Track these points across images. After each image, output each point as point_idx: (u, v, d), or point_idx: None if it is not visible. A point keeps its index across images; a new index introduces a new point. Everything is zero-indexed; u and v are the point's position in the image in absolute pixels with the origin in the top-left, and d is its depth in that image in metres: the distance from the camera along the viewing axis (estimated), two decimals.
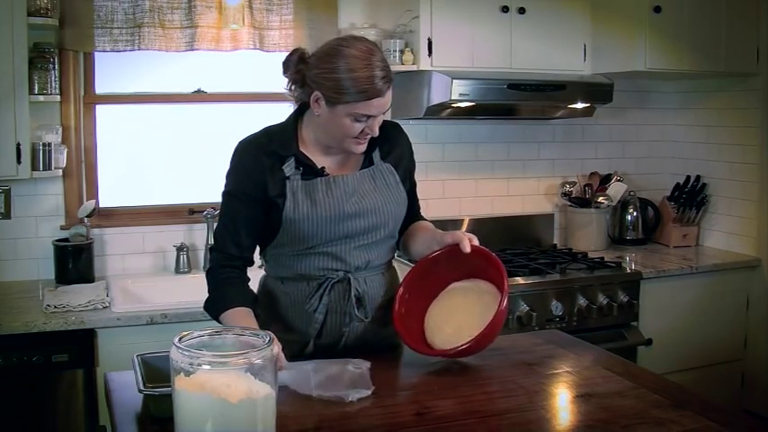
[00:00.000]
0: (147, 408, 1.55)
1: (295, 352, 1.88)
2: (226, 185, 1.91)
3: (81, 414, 2.60)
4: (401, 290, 1.93)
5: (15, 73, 2.70)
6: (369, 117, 1.80)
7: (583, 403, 1.63)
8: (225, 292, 1.86)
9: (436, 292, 1.95)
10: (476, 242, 1.88)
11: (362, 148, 1.88)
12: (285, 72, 1.89)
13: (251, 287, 1.93)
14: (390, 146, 2.00)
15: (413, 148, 2.09)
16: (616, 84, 3.43)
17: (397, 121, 2.10)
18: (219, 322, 1.82)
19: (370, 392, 1.64)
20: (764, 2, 3.51)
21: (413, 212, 2.08)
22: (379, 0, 3.41)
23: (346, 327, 1.93)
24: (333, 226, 1.87)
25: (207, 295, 1.89)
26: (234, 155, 1.92)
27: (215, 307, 1.85)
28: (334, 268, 1.92)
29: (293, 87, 1.89)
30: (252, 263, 1.94)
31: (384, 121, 1.93)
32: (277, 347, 1.37)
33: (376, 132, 1.84)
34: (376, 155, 1.97)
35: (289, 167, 1.87)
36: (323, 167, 1.90)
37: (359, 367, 1.72)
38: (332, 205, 1.87)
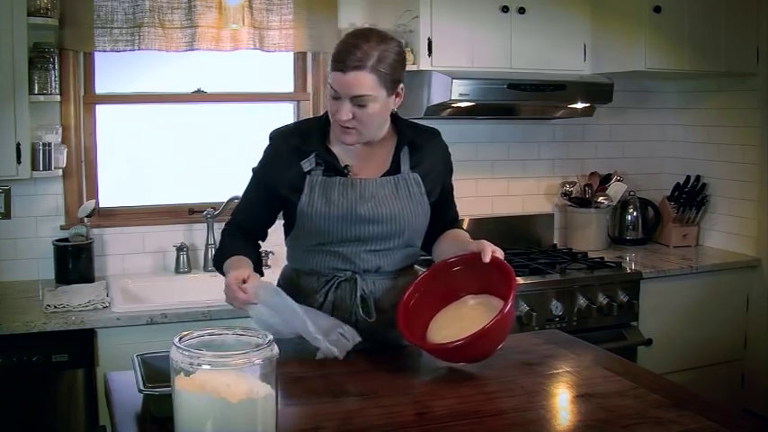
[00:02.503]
0: (147, 408, 1.55)
1: (300, 344, 1.88)
2: (255, 168, 2.03)
3: (81, 414, 2.60)
4: (413, 285, 1.91)
5: (15, 73, 2.70)
6: (338, 95, 1.81)
7: (583, 403, 1.63)
8: (228, 243, 1.99)
9: (447, 297, 1.92)
10: (499, 254, 1.84)
11: (346, 138, 1.87)
12: None
13: (261, 258, 2.05)
14: (422, 155, 1.99)
15: (450, 155, 2.09)
16: (616, 84, 3.43)
17: (436, 129, 2.09)
18: (223, 274, 1.88)
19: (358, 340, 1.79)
20: (764, 2, 3.51)
21: (448, 219, 2.08)
22: (379, 0, 3.41)
23: (351, 326, 1.92)
24: (345, 227, 1.89)
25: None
26: (269, 143, 2.01)
27: (217, 258, 1.97)
28: (343, 268, 1.94)
29: None
30: (261, 239, 2.06)
31: (422, 127, 2.00)
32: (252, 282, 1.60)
33: (342, 116, 1.81)
34: (405, 162, 1.96)
35: (308, 163, 1.91)
36: (346, 165, 1.92)
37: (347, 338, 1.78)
38: (345, 206, 1.89)
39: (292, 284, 2.02)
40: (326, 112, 1.94)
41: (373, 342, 1.94)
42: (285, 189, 1.92)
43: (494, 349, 1.81)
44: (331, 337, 1.77)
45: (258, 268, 1.92)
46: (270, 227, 2.06)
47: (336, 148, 1.94)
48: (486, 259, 1.81)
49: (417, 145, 1.98)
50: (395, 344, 1.99)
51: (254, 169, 2.02)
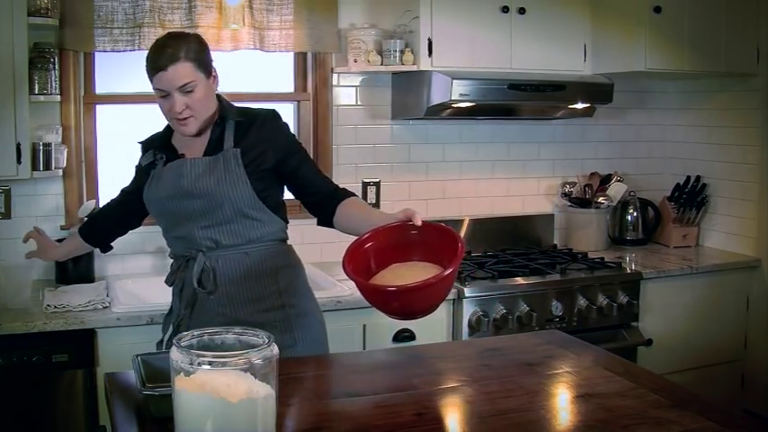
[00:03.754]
0: (147, 408, 1.55)
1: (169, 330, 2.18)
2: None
3: (81, 414, 2.59)
4: (371, 232, 1.93)
5: (15, 73, 2.70)
6: (166, 93, 2.00)
7: (583, 403, 1.63)
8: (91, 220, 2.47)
9: (397, 256, 1.94)
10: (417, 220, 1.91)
11: (187, 129, 2.07)
12: None
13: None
14: (248, 132, 2.13)
15: (288, 132, 2.21)
16: (616, 84, 3.43)
17: (273, 109, 2.21)
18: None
19: None
20: (764, 2, 3.51)
21: (321, 190, 2.18)
22: (379, 0, 3.41)
23: (197, 302, 2.11)
24: (171, 204, 2.09)
25: None
26: None
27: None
28: (188, 248, 2.12)
29: None
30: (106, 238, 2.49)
31: (257, 109, 2.18)
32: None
33: (177, 109, 2.01)
34: (228, 141, 2.10)
35: (145, 158, 2.20)
36: (182, 154, 2.14)
37: None
38: (171, 184, 2.09)
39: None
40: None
41: (226, 317, 2.05)
42: (136, 184, 2.26)
43: (428, 306, 1.84)
44: None
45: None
46: (126, 218, 2.43)
47: (176, 141, 2.18)
48: (418, 223, 1.89)
49: (244, 123, 2.13)
50: (248, 321, 2.02)
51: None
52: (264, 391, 1.28)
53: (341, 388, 1.70)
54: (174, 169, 2.11)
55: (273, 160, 2.13)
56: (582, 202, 3.81)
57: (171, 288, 2.22)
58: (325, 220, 2.19)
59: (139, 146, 2.29)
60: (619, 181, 3.86)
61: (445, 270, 1.78)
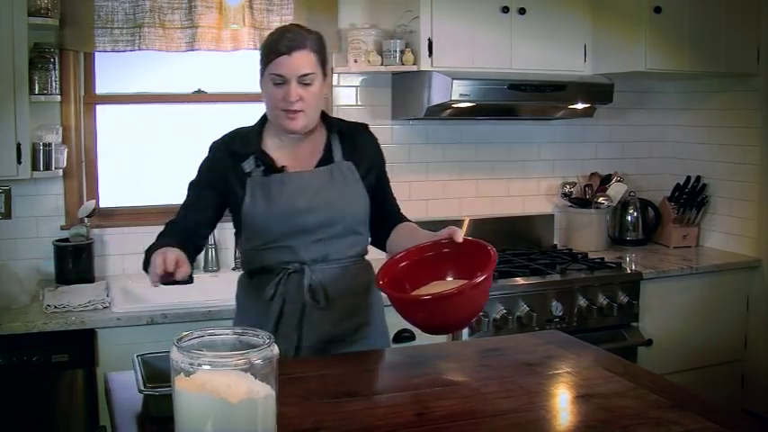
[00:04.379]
0: (147, 408, 1.55)
1: None
2: (196, 176, 2.08)
3: (81, 414, 2.60)
4: (405, 251, 1.93)
5: (16, 73, 2.70)
6: (283, 78, 1.91)
7: (583, 404, 1.63)
8: (161, 239, 1.94)
9: (432, 275, 1.93)
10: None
11: (295, 124, 1.95)
12: None
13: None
14: (353, 145, 2.07)
15: (381, 147, 2.16)
16: (616, 84, 3.43)
17: (366, 123, 2.16)
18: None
19: None
20: (764, 2, 3.51)
21: (390, 211, 2.15)
22: (379, 0, 3.41)
23: (305, 316, 1.99)
24: (286, 221, 1.96)
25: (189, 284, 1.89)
26: (208, 152, 2.09)
27: (149, 251, 1.86)
28: (291, 261, 1.99)
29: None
30: (200, 242, 2.06)
31: (352, 122, 2.09)
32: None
33: (292, 97, 1.91)
34: (337, 153, 2.04)
35: (248, 164, 1.99)
36: (283, 166, 2.00)
37: None
38: (286, 201, 1.96)
39: (246, 288, 2.11)
40: (260, 118, 2.06)
41: (326, 331, 1.99)
42: (234, 185, 2.00)
43: (459, 318, 1.83)
44: None
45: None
46: (210, 230, 2.10)
47: (271, 150, 2.03)
48: (459, 240, 1.87)
49: (347, 135, 2.08)
50: (349, 337, 2.02)
51: (191, 182, 2.07)
52: (264, 391, 1.28)
53: (341, 388, 1.70)
54: (287, 183, 1.98)
55: (374, 176, 2.10)
56: (582, 202, 3.81)
57: (243, 300, 2.08)
58: (380, 240, 2.13)
59: (217, 145, 2.08)
60: (619, 181, 3.86)
61: (475, 279, 1.77)
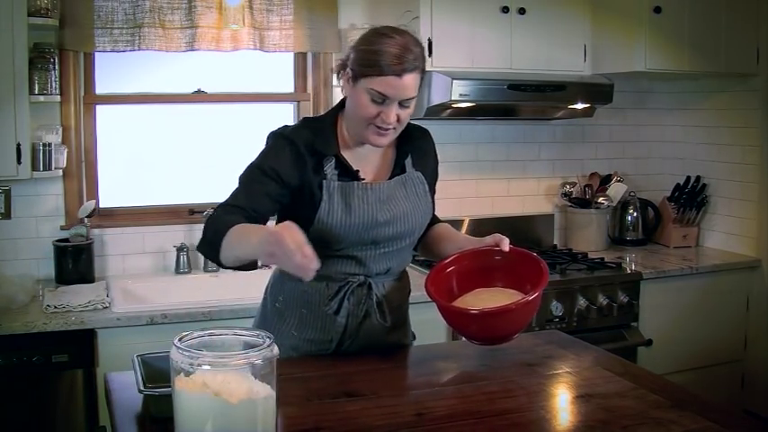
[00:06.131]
0: (147, 408, 1.55)
1: (312, 351, 1.91)
2: (256, 160, 1.85)
3: (81, 414, 2.60)
4: (454, 256, 1.93)
5: (15, 73, 2.70)
6: (385, 99, 1.75)
7: (583, 404, 1.63)
8: (229, 218, 1.72)
9: (480, 281, 1.93)
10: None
11: (382, 141, 1.83)
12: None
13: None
14: (420, 154, 2.00)
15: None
16: (616, 84, 3.43)
17: (425, 128, 2.08)
18: (219, 262, 1.70)
19: None
20: (764, 2, 3.51)
21: (433, 214, 2.10)
22: (379, 0, 3.41)
23: (361, 328, 1.92)
24: (364, 233, 1.85)
25: (203, 244, 1.74)
26: (276, 139, 1.86)
27: (214, 239, 1.69)
28: (356, 272, 1.90)
29: (339, 75, 1.86)
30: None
31: (413, 125, 1.95)
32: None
33: (390, 119, 1.77)
34: (408, 162, 1.96)
35: (329, 168, 1.84)
36: (357, 170, 1.87)
37: None
38: (366, 212, 1.84)
39: (294, 291, 1.93)
40: (330, 114, 1.92)
41: (374, 342, 1.94)
42: (304, 188, 1.83)
43: (509, 332, 1.83)
44: None
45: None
46: (264, 224, 1.83)
47: (345, 153, 1.88)
48: (506, 249, 1.86)
49: (417, 144, 1.99)
50: (398, 344, 2.00)
51: (257, 164, 1.84)
52: (264, 392, 1.28)
53: (341, 388, 1.70)
54: (365, 192, 1.86)
55: (433, 182, 2.06)
56: (582, 202, 3.81)
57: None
58: (417, 241, 2.06)
59: (295, 137, 1.85)
60: (619, 181, 3.86)
61: (528, 296, 1.77)
